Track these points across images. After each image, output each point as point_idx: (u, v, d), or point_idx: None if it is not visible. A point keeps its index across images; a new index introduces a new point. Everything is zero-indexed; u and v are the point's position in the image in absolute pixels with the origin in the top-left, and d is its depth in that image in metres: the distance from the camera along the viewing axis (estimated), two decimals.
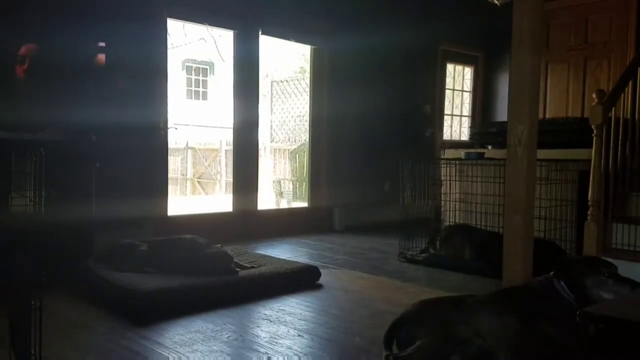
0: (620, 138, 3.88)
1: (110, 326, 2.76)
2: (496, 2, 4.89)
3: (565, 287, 2.28)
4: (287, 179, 9.69)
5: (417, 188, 4.63)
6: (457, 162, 4.81)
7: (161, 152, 4.92)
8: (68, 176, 3.71)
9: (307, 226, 5.92)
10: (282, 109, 9.93)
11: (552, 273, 2.36)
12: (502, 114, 7.22)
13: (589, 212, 3.76)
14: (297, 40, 6.03)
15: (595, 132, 3.70)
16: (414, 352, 2.05)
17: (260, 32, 5.50)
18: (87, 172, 3.94)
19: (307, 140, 6.54)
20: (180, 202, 9.22)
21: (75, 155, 3.86)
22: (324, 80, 6.07)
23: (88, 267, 3.51)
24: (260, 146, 6.53)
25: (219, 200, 9.47)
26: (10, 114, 3.67)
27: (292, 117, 9.74)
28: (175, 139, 9.78)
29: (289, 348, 2.52)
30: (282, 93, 9.89)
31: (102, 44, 4.22)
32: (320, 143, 6.14)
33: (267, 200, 8.51)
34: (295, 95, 9.57)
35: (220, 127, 11.29)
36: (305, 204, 6.51)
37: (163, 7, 4.78)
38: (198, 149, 11.55)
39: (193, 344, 2.54)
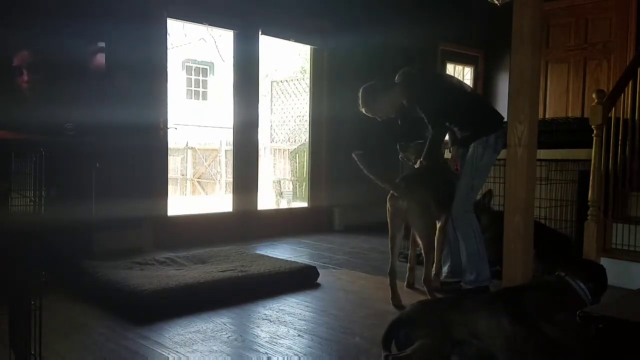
0: (620, 138, 3.88)
1: (109, 326, 2.76)
2: (496, 2, 4.89)
3: (585, 290, 2.26)
4: (287, 179, 9.69)
5: None
6: None
7: (161, 152, 4.92)
8: (68, 176, 3.71)
9: (307, 226, 5.92)
10: (282, 109, 9.93)
11: (561, 273, 2.35)
12: (502, 113, 7.21)
13: (589, 212, 3.75)
14: (297, 40, 6.02)
15: (595, 132, 3.70)
16: (413, 353, 2.05)
17: (260, 32, 5.50)
18: (87, 172, 3.94)
19: (307, 140, 6.54)
20: (180, 202, 9.23)
21: (75, 155, 3.86)
22: (324, 80, 6.07)
23: (88, 266, 3.51)
24: (260, 146, 6.52)
25: (219, 200, 9.48)
26: (11, 116, 3.68)
27: (292, 117, 9.74)
28: (175, 139, 9.79)
29: (289, 348, 2.52)
30: (282, 93, 9.90)
31: (102, 44, 4.21)
32: (320, 143, 6.14)
33: (267, 200, 8.51)
34: (295, 96, 9.58)
35: (220, 127, 11.30)
36: (305, 204, 6.51)
37: (163, 7, 4.79)
38: (198, 149, 11.56)
39: (193, 344, 2.54)
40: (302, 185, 8.56)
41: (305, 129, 7.25)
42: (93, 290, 3.25)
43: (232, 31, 5.46)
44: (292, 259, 4.30)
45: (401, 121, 3.67)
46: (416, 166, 3.53)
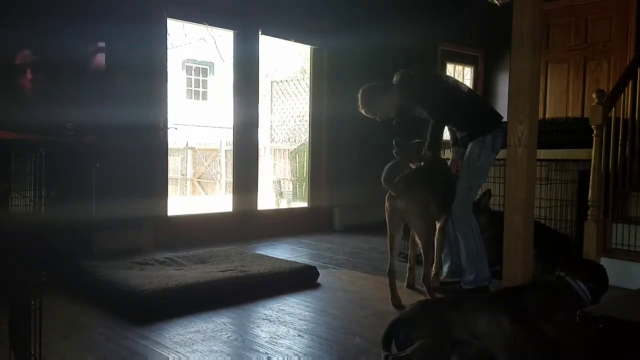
0: (620, 138, 3.88)
1: (109, 326, 2.76)
2: (496, 2, 4.89)
3: (585, 290, 2.27)
4: (287, 179, 9.69)
5: None
6: None
7: (161, 152, 4.92)
8: (68, 176, 3.71)
9: (307, 226, 5.92)
10: (282, 109, 9.93)
11: (561, 273, 2.35)
12: (502, 114, 7.21)
13: (589, 212, 3.75)
14: (297, 40, 6.02)
15: (595, 132, 3.70)
16: (413, 353, 2.05)
17: (260, 32, 5.50)
18: (87, 172, 3.94)
19: (307, 140, 6.54)
20: (180, 202, 9.23)
21: (75, 155, 3.86)
22: (324, 80, 6.07)
23: (88, 266, 3.51)
24: (260, 146, 6.52)
25: (219, 200, 9.48)
26: (12, 116, 3.68)
27: (292, 117, 9.74)
28: (175, 139, 9.79)
29: (289, 348, 2.52)
30: (282, 93, 9.89)
31: (102, 44, 4.21)
32: (320, 143, 6.14)
33: (267, 200, 8.51)
34: (295, 96, 9.57)
35: (220, 127, 11.30)
36: (305, 204, 6.51)
37: (163, 7, 4.79)
38: (198, 149, 11.55)
39: (193, 344, 2.54)
40: (302, 185, 8.56)
41: (305, 129, 7.25)
42: (93, 290, 3.25)
43: (232, 31, 5.46)
44: (292, 259, 4.30)
45: (398, 121, 3.67)
46: (418, 162, 3.52)
